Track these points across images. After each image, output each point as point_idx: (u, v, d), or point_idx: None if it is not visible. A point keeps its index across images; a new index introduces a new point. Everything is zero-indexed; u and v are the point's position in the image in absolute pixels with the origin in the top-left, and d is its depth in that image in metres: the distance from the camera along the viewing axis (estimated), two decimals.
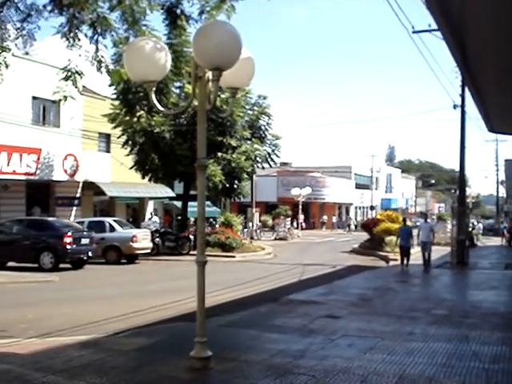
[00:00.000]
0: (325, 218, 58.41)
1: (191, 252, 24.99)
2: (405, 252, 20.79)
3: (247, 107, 28.45)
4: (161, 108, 7.41)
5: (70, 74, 10.15)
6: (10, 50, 11.21)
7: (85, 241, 20.02)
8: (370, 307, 12.30)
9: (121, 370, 6.75)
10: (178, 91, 26.41)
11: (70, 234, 19.33)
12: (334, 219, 58.87)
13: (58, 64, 10.68)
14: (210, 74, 6.75)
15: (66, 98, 10.52)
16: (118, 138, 27.64)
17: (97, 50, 10.24)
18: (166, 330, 9.42)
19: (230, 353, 7.60)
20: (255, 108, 28.97)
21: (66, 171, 28.44)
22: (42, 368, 6.73)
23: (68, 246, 19.03)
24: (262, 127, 29.28)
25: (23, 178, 26.47)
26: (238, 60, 6.54)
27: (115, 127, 27.02)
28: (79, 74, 10.19)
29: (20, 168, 26.03)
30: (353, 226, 55.10)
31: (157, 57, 6.82)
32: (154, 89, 7.12)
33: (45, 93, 28.81)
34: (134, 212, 36.91)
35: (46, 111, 30.06)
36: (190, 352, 6.76)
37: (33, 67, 27.61)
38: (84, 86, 31.01)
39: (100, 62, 10.28)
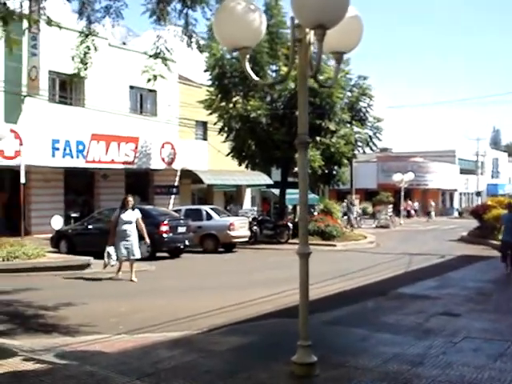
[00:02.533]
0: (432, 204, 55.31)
1: (290, 240, 24.18)
2: (509, 249, 15.05)
3: (347, 88, 27.20)
4: (256, 78, 6.52)
5: (159, 51, 9.46)
6: (97, 33, 10.61)
7: (181, 229, 19.63)
8: (492, 303, 10.95)
9: (214, 375, 5.96)
10: (274, 74, 25.58)
11: (166, 222, 18.98)
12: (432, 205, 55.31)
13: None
14: (311, 36, 5.80)
15: (155, 77, 9.86)
16: (214, 124, 27.20)
17: (186, 24, 9.52)
18: (264, 328, 8.58)
19: (337, 357, 6.64)
20: (355, 89, 27.66)
21: (163, 159, 28.40)
22: (127, 371, 6.05)
23: (164, 235, 18.68)
24: (363, 109, 27.93)
25: (122, 166, 26.64)
26: (343, 17, 5.52)
27: (211, 113, 26.58)
28: (168, 51, 9.49)
29: (118, 157, 26.17)
30: (433, 214, 51.70)
31: (250, 18, 5.92)
32: (247, 56, 6.25)
33: (142, 82, 28.79)
34: (232, 199, 36.58)
35: (143, 100, 30.19)
36: (290, 354, 5.88)
37: (130, 57, 27.61)
38: (180, 75, 31.06)
39: (190, 36, 9.54)
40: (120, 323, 8.80)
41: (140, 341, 7.70)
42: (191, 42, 9.61)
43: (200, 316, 9.31)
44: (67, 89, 26.36)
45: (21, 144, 21.62)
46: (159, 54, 9.55)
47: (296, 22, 5.77)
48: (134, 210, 14.03)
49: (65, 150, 24.10)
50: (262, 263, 18.84)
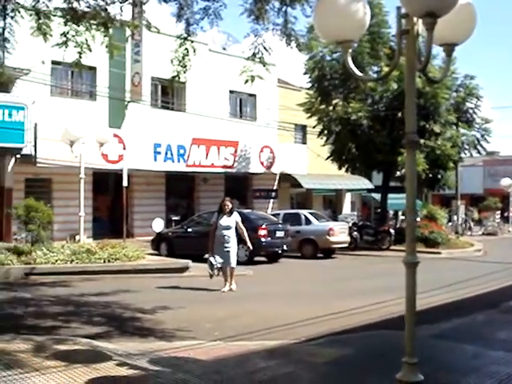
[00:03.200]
0: None
1: (391, 247, 23.37)
2: None
3: (452, 88, 26.00)
4: (360, 74, 6.05)
5: (257, 51, 9.21)
6: (196, 35, 10.49)
7: (280, 234, 19.36)
8: None
9: None
10: (375, 76, 24.90)
11: (264, 226, 18.78)
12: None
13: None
14: (419, 26, 5.30)
15: (253, 78, 9.62)
16: (314, 127, 26.79)
17: (285, 22, 9.23)
18: (364, 340, 8.10)
19: (445, 375, 6.11)
20: (461, 89, 26.41)
21: (262, 163, 28.33)
22: (221, 381, 5.80)
23: (263, 239, 18.47)
24: (470, 110, 26.62)
25: (221, 170, 26.77)
26: (456, 3, 4.99)
27: (310, 116, 26.20)
28: (267, 51, 9.22)
29: (218, 161, 26.33)
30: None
31: (353, 9, 5.46)
32: (350, 51, 5.82)
33: (241, 86, 28.92)
34: (330, 204, 35.98)
35: (242, 104, 30.29)
36: (393, 370, 5.36)
37: (230, 62, 27.75)
38: (279, 78, 30.93)
39: (289, 35, 9.24)
40: (215, 329, 8.59)
41: (235, 349, 7.44)
42: (290, 41, 9.31)
43: (297, 324, 8.95)
44: (169, 94, 26.84)
45: (124, 148, 22.17)
46: (257, 53, 9.30)
47: (403, 11, 5.30)
48: (232, 213, 12.93)
49: (166, 154, 24.51)
50: (362, 270, 18.22)
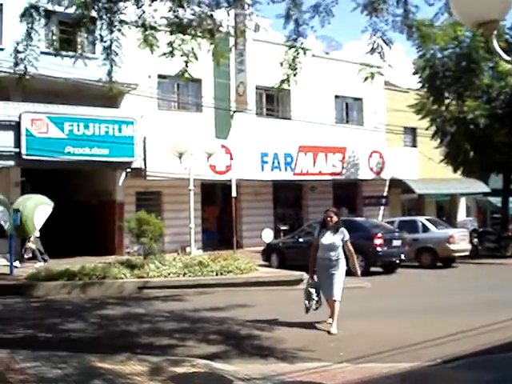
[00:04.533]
0: None
1: None
2: None
3: None
4: (508, 58, 5.22)
5: (376, 45, 8.50)
6: (306, 36, 9.95)
7: (396, 242, 18.32)
8: None
9: None
10: (490, 72, 23.34)
11: (380, 235, 17.84)
12: None
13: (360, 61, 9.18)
14: None
15: (373, 75, 8.90)
16: (426, 129, 25.51)
17: (406, 13, 8.48)
18: (509, 362, 7.13)
19: None
20: None
21: (371, 169, 27.37)
22: None
23: (379, 249, 17.52)
24: None
25: (329, 178, 26.08)
26: None
27: (422, 118, 24.97)
28: (387, 44, 8.48)
29: (326, 168, 25.70)
30: None
31: None
32: (495, 33, 5.02)
33: (347, 91, 28.25)
34: (442, 210, 34.24)
35: (348, 109, 29.49)
36: None
37: (334, 66, 27.19)
38: (385, 81, 29.86)
39: (411, 26, 8.48)
40: (340, 349, 7.90)
41: (365, 372, 6.75)
42: (412, 33, 8.56)
43: (428, 343, 8.07)
44: (274, 102, 26.52)
45: (231, 159, 21.98)
46: (376, 49, 8.59)
47: None
48: (338, 229, 9.49)
49: (273, 162, 24.15)
50: (486, 280, 16.82)
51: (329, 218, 9.53)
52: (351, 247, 9.60)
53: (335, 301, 9.37)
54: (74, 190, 23.23)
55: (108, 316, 10.69)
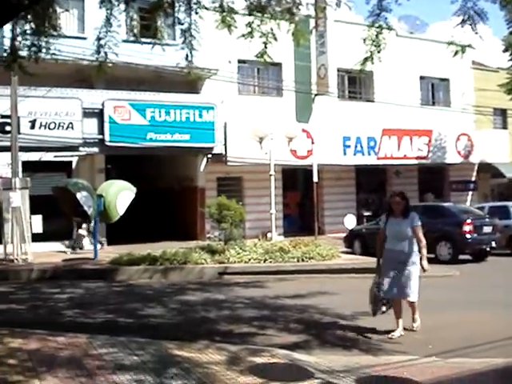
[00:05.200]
0: None
1: None
2: None
3: None
4: None
5: (467, 17, 7.87)
6: (390, 10, 9.43)
7: (487, 229, 17.36)
8: None
9: None
10: None
11: (469, 221, 16.98)
12: None
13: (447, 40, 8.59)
14: None
15: (463, 49, 8.28)
16: None
17: None
18: None
19: None
20: None
21: (459, 153, 26.27)
22: None
23: (468, 235, 16.65)
24: None
25: (415, 162, 25.24)
26: None
27: None
28: (479, 15, 7.83)
29: (411, 152, 24.88)
30: None
31: None
32: None
33: (433, 71, 27.14)
34: None
35: (434, 90, 28.40)
36: None
37: (419, 46, 26.19)
38: (473, 60, 28.51)
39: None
40: (428, 341, 7.41)
41: (456, 368, 6.27)
42: (506, 2, 7.84)
43: None
44: (356, 84, 25.83)
45: (312, 143, 21.54)
46: (466, 20, 7.95)
47: None
48: (407, 215, 7.92)
49: (356, 147, 23.54)
50: None
51: (395, 203, 7.98)
52: (421, 235, 7.88)
53: (412, 302, 7.96)
54: (156, 175, 23.48)
55: (188, 302, 10.61)
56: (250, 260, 14.06)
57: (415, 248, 7.89)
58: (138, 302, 10.61)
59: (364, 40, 9.15)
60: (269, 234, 18.62)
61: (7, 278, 13.82)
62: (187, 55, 10.73)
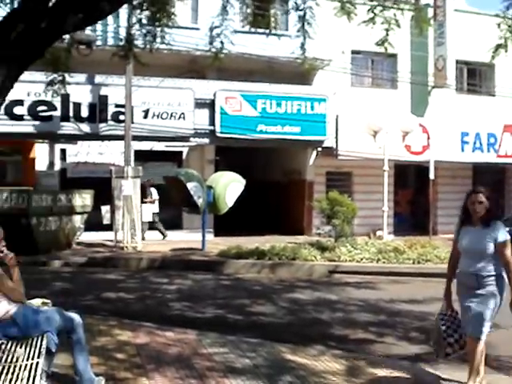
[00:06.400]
0: None
1: None
2: None
3: None
4: None
5: None
6: None
7: None
8: None
9: None
10: None
11: None
12: None
13: None
14: None
15: None
16: None
17: None
18: None
19: None
20: None
21: None
22: None
23: None
24: None
25: None
26: None
27: None
28: None
29: None
30: None
31: None
32: None
33: None
34: None
35: None
36: None
37: None
38: None
39: None
40: None
41: None
42: None
43: None
44: (476, 77, 24.38)
45: (428, 138, 20.48)
46: None
47: None
48: (490, 223, 5.50)
49: (474, 143, 22.16)
50: None
51: (475, 204, 5.52)
52: (509, 255, 5.38)
53: (475, 339, 5.43)
54: (263, 167, 23.22)
55: (298, 300, 10.16)
56: (362, 259, 13.42)
57: (498, 270, 5.43)
58: (246, 297, 10.29)
59: (498, 25, 8.49)
60: (379, 232, 17.90)
61: (117, 265, 13.96)
62: (302, 44, 10.34)
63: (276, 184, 22.78)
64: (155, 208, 17.99)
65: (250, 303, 9.78)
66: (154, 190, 18.13)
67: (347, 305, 9.79)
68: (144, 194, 17.37)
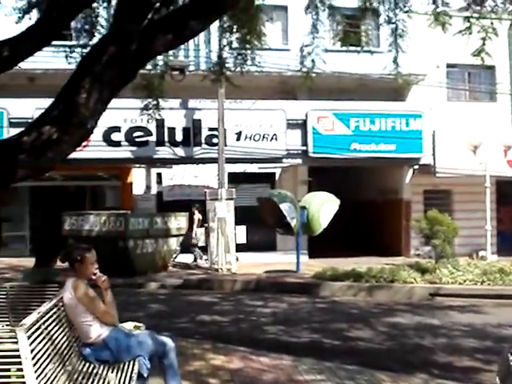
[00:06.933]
0: None
1: None
2: None
3: None
4: None
5: None
6: None
7: None
8: None
9: None
10: None
11: None
12: None
13: None
14: None
15: None
16: None
17: None
18: None
19: None
20: None
21: None
22: None
23: None
24: None
25: None
26: None
27: None
28: None
29: None
30: None
31: None
32: None
33: None
34: None
35: None
36: None
37: None
38: None
39: None
40: None
41: None
42: None
43: None
44: None
45: None
46: None
47: None
48: None
49: None
50: None
51: None
52: None
53: None
54: (358, 187, 22.75)
55: (398, 325, 9.71)
56: (465, 281, 12.73)
57: None
58: (343, 321, 9.95)
59: None
60: (482, 253, 17.04)
61: (212, 287, 13.98)
62: (395, 58, 10.02)
63: (370, 203, 22.24)
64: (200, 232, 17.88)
65: (347, 327, 9.44)
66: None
67: (451, 330, 9.25)
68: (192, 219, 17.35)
